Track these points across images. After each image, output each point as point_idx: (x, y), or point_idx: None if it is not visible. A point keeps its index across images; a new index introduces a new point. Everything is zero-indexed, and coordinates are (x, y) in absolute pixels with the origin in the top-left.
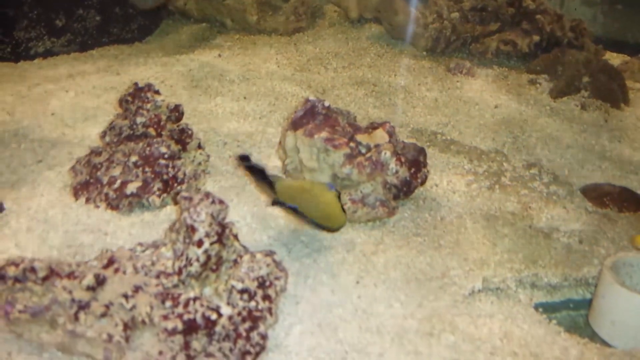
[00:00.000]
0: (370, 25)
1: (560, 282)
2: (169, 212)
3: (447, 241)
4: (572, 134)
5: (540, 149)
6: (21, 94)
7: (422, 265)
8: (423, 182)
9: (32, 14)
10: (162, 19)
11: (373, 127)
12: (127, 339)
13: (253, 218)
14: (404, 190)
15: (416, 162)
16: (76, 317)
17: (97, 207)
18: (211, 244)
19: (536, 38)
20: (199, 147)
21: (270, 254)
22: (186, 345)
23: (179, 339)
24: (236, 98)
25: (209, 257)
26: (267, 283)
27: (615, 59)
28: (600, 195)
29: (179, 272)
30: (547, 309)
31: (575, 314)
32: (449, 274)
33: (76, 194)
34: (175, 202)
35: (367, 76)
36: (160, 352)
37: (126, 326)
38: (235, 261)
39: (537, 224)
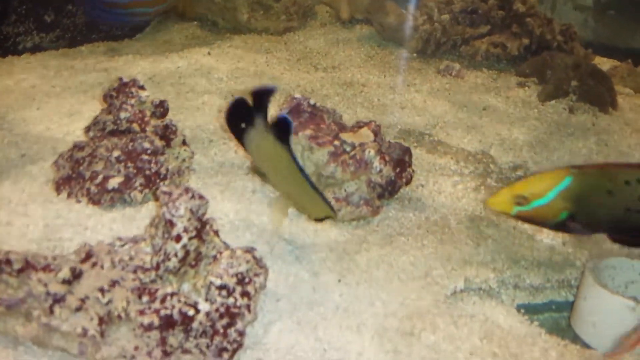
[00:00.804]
0: (361, 26)
1: (543, 283)
2: (151, 207)
3: (430, 241)
4: (560, 136)
5: (527, 151)
6: (8, 88)
7: (405, 264)
8: (408, 182)
9: (21, 9)
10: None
11: (359, 126)
12: (102, 334)
13: (236, 215)
14: (388, 190)
15: (401, 162)
16: (51, 311)
17: (79, 201)
18: (190, 239)
19: (526, 41)
20: (184, 143)
21: (250, 250)
22: (162, 341)
23: (155, 334)
24: (224, 96)
25: (187, 253)
26: (247, 280)
27: (605, 63)
28: None
29: (157, 267)
30: (529, 310)
31: (557, 316)
32: (431, 274)
33: (58, 188)
34: (157, 198)
35: (356, 77)
36: (136, 348)
37: (102, 320)
38: (214, 257)
39: (521, 226)
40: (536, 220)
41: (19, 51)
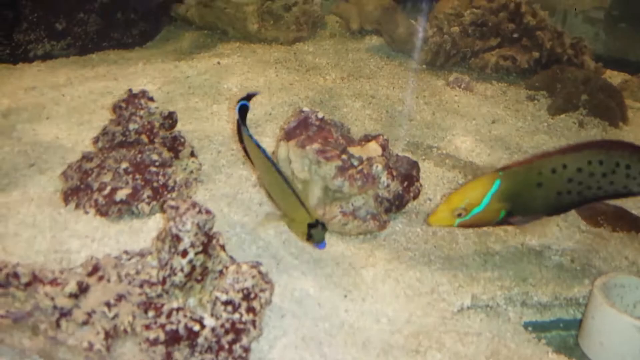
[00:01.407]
0: (370, 37)
1: (551, 301)
2: (158, 220)
3: (437, 256)
4: None
5: None
6: (17, 96)
7: (411, 280)
8: (416, 196)
9: (33, 17)
10: (163, 25)
11: (366, 139)
12: (108, 348)
13: (243, 228)
14: (396, 204)
15: (409, 176)
16: (58, 324)
17: (87, 213)
18: (196, 254)
19: (536, 54)
20: (192, 154)
21: (256, 265)
22: (168, 356)
23: (160, 349)
24: (233, 106)
25: (193, 268)
26: (252, 295)
27: (616, 77)
28: (594, 214)
29: (163, 282)
30: (537, 327)
31: (565, 334)
32: (438, 290)
33: (66, 199)
34: (164, 210)
35: (365, 88)
36: None
37: (108, 335)
38: (220, 272)
39: (529, 242)
40: (478, 224)
41: (29, 59)
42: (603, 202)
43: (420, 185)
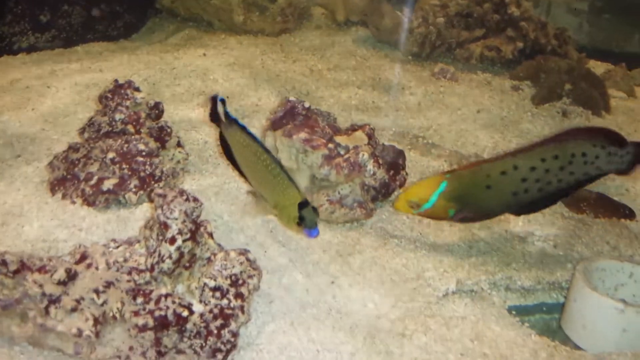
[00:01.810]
0: (356, 28)
1: (534, 285)
2: (146, 209)
3: (423, 243)
4: None
5: None
6: (2, 88)
7: (397, 266)
8: (402, 185)
9: (17, 9)
10: (149, 17)
11: (353, 129)
12: (97, 334)
13: (230, 217)
14: (382, 192)
15: (395, 165)
16: (47, 311)
17: (74, 202)
18: (184, 241)
19: (520, 45)
20: (179, 145)
21: (244, 252)
22: (157, 342)
23: (149, 335)
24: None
25: (181, 255)
26: (240, 281)
27: (599, 67)
28: (577, 201)
29: (151, 269)
30: (521, 311)
31: (548, 317)
32: (423, 276)
33: (53, 189)
34: (151, 200)
35: (351, 79)
36: (131, 348)
37: (97, 321)
38: (209, 259)
39: (513, 229)
40: (433, 217)
41: (14, 51)
42: (585, 189)
43: (406, 173)
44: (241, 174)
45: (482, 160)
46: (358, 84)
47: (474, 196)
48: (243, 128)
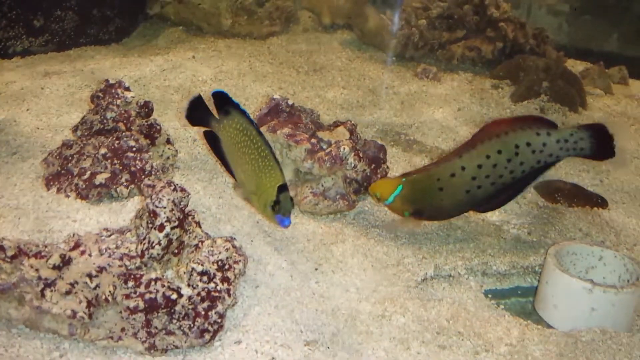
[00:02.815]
0: (342, 31)
1: (509, 270)
2: (136, 202)
3: (403, 232)
4: None
5: None
6: None
7: (378, 254)
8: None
9: (11, 14)
10: (139, 21)
11: (335, 125)
12: (90, 316)
13: (218, 209)
14: (364, 185)
15: (376, 159)
16: (42, 294)
17: (68, 196)
18: (172, 228)
19: (499, 45)
20: (168, 142)
21: (230, 239)
22: (147, 323)
23: (140, 317)
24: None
25: (170, 241)
26: (227, 266)
27: (578, 66)
28: (552, 191)
29: (142, 255)
30: (497, 295)
31: (523, 300)
32: (403, 262)
33: (48, 184)
34: (141, 191)
35: (336, 80)
36: (123, 329)
37: (90, 303)
38: (196, 246)
39: (490, 218)
40: (392, 212)
41: (9, 55)
42: (560, 180)
43: (387, 167)
44: (227, 169)
45: (433, 164)
46: (343, 84)
47: (428, 198)
48: (243, 112)
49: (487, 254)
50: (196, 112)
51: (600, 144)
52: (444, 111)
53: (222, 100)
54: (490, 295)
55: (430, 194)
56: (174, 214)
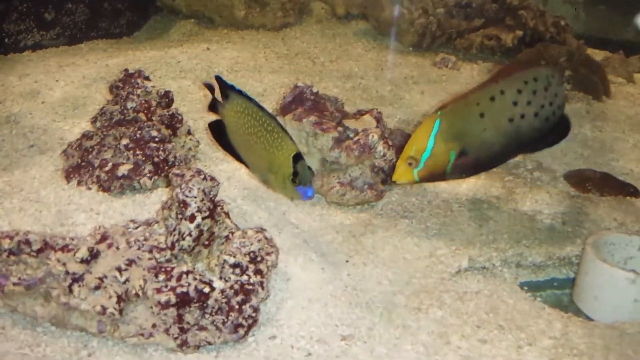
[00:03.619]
0: (357, 21)
1: (545, 261)
2: (160, 194)
3: (434, 223)
4: None
5: None
6: (11, 83)
7: (409, 245)
8: None
9: (22, 7)
10: (150, 14)
11: (360, 113)
12: (120, 312)
13: (244, 200)
14: (391, 175)
15: (403, 148)
16: (70, 290)
17: (89, 188)
18: (203, 218)
19: (519, 33)
20: (189, 133)
21: (261, 230)
22: (179, 318)
23: (172, 311)
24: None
25: (201, 232)
26: (259, 258)
27: (597, 55)
28: (582, 181)
29: (172, 247)
30: (532, 287)
31: (559, 293)
32: (435, 254)
33: (68, 176)
34: (168, 184)
35: (354, 70)
36: (154, 325)
37: (120, 298)
38: (227, 237)
39: (521, 208)
40: (435, 173)
41: (20, 49)
42: (590, 169)
43: None
44: (237, 158)
45: (466, 92)
46: (361, 74)
47: (472, 129)
48: (240, 92)
49: (522, 244)
50: (213, 99)
51: None
52: None
53: (222, 84)
54: (525, 288)
55: (472, 122)
56: (205, 203)
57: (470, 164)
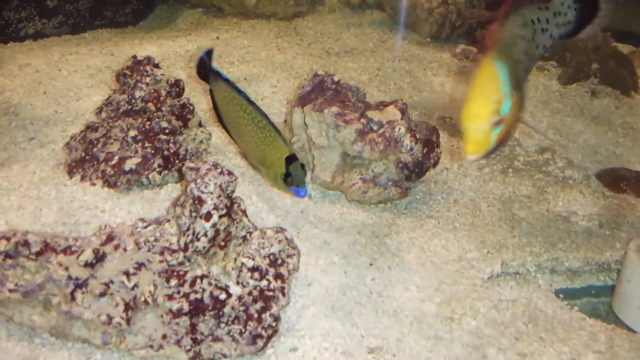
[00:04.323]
0: (371, 11)
1: (582, 267)
2: (170, 190)
3: (462, 224)
4: (584, 119)
5: (552, 134)
6: (12, 73)
7: (437, 248)
8: (436, 163)
9: None
10: (156, 3)
11: (384, 104)
12: (128, 321)
13: (259, 197)
14: (415, 172)
15: (429, 142)
16: (72, 297)
17: (93, 184)
18: (220, 217)
19: None
20: (200, 125)
21: (281, 230)
22: (192, 328)
23: (184, 321)
24: (236, 79)
25: (217, 232)
26: (279, 261)
27: (621, 49)
28: (616, 180)
29: (185, 248)
30: (568, 295)
31: (596, 301)
32: (466, 257)
33: (70, 171)
34: (179, 179)
35: (370, 61)
36: (164, 336)
37: (127, 306)
38: (244, 238)
39: (554, 208)
40: (509, 134)
41: (20, 37)
42: (624, 168)
43: (440, 151)
44: (230, 134)
45: (499, 30)
46: (377, 66)
47: (521, 71)
48: (227, 81)
49: (558, 248)
50: (203, 67)
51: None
52: None
53: (209, 67)
54: (561, 295)
55: (522, 61)
56: (222, 200)
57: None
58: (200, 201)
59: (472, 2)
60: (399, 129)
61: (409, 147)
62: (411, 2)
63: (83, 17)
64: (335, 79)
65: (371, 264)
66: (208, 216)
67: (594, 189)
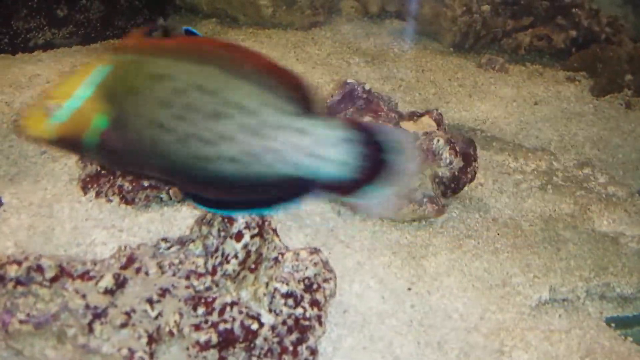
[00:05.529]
0: (391, 20)
1: (635, 293)
2: (192, 206)
3: (504, 245)
4: (621, 133)
5: (590, 148)
6: (21, 84)
7: (478, 271)
8: (472, 179)
9: (32, 3)
10: (168, 13)
11: (418, 114)
12: (151, 355)
13: (286, 215)
14: (452, 187)
15: (466, 155)
16: (90, 328)
17: (110, 201)
18: (252, 237)
19: (573, 33)
20: None
21: (315, 251)
22: None
23: (212, 354)
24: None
25: (248, 254)
26: (315, 286)
27: None
28: None
29: (213, 272)
30: (619, 324)
31: None
32: (510, 282)
33: (85, 187)
34: None
35: (392, 71)
36: None
37: (151, 339)
38: (275, 259)
39: (599, 228)
40: (74, 136)
41: (29, 48)
42: None
43: (477, 166)
44: None
45: (153, 42)
46: (400, 76)
47: (130, 98)
48: None
49: (609, 272)
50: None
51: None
52: (518, 105)
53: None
54: (613, 325)
55: (134, 90)
56: (253, 218)
57: (114, 145)
58: (229, 219)
59: (497, 11)
60: (438, 140)
61: (447, 161)
62: (433, 11)
63: (94, 27)
64: (367, 87)
65: (409, 289)
66: (239, 236)
67: (639, 208)
